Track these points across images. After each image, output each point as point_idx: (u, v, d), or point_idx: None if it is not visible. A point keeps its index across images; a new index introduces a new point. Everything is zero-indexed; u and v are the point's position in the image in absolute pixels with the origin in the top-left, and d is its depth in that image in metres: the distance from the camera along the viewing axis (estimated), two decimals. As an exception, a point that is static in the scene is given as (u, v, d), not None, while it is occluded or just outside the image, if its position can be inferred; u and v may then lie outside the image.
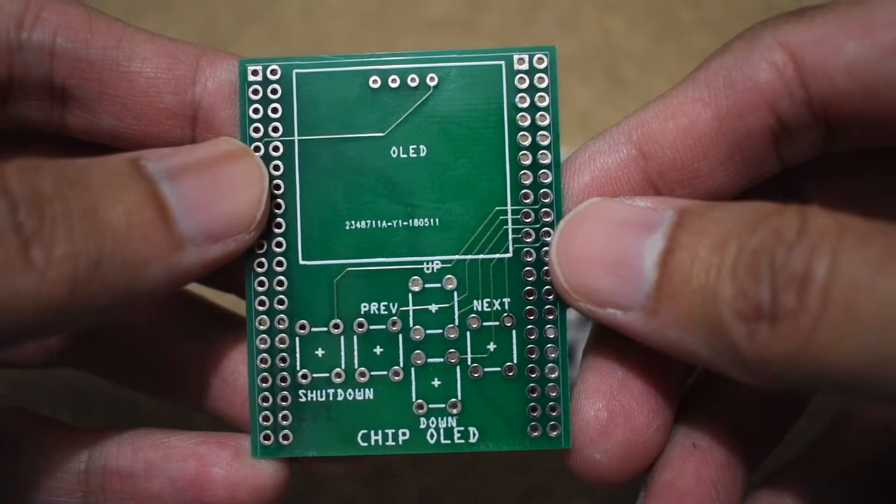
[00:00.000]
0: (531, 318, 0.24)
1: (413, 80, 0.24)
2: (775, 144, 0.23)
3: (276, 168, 0.24)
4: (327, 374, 0.24)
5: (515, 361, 0.24)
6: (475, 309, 0.24)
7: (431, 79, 0.24)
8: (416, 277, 0.24)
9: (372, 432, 0.24)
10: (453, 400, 0.24)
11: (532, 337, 0.24)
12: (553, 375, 0.24)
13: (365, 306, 0.24)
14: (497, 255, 0.24)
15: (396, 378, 0.24)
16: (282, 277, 0.24)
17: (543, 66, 0.24)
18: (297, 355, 0.24)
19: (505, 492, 0.35)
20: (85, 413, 0.35)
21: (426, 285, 0.24)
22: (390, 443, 0.24)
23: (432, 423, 0.24)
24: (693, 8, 0.41)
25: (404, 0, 0.41)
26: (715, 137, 0.23)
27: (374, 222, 0.24)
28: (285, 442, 0.24)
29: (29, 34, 0.23)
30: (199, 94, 0.24)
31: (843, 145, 0.23)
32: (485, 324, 0.24)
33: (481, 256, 0.24)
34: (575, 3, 0.41)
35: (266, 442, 0.24)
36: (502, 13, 0.41)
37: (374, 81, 0.24)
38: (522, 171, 0.24)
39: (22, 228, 0.19)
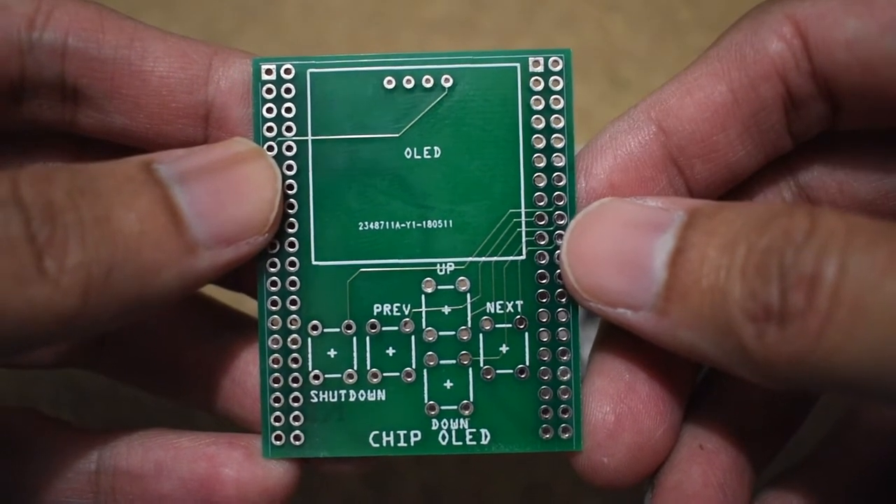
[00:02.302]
0: (544, 320, 0.24)
1: (428, 81, 0.24)
2: (786, 117, 0.23)
3: (290, 168, 0.24)
4: (339, 375, 0.24)
5: (528, 363, 0.24)
6: (488, 311, 0.24)
7: (446, 80, 0.24)
8: (429, 279, 0.24)
9: (384, 433, 0.24)
10: (465, 401, 0.24)
11: (544, 339, 0.24)
12: (565, 378, 0.24)
13: (378, 307, 0.24)
14: (510, 258, 0.24)
15: (409, 379, 0.24)
16: (294, 278, 0.24)
17: (559, 68, 0.24)
18: (310, 356, 0.24)
19: (507, 488, 0.35)
20: (86, 411, 0.35)
21: (439, 287, 0.24)
22: (402, 444, 0.24)
23: (444, 424, 0.24)
24: (692, 7, 0.41)
25: (404, 0, 0.41)
26: (731, 109, 0.23)
27: (387, 223, 0.24)
28: (297, 442, 0.24)
29: (40, 34, 0.23)
30: (212, 94, 0.24)
31: (848, 122, 0.23)
32: (497, 326, 0.24)
33: (494, 258, 0.24)
34: (575, 3, 0.41)
35: (277, 442, 0.24)
36: (502, 12, 0.41)
37: (389, 82, 0.24)
38: (536, 174, 0.24)
39: (35, 239, 0.19)
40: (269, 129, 0.24)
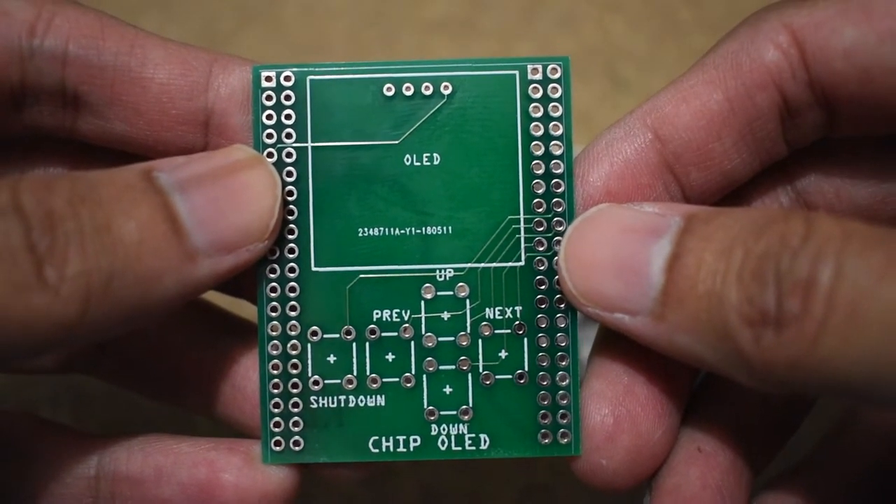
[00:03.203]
0: (543, 326, 0.24)
1: (427, 88, 0.24)
2: (782, 125, 0.23)
3: (289, 174, 0.24)
4: (339, 381, 0.24)
5: (527, 369, 0.24)
6: (487, 317, 0.24)
7: (445, 87, 0.24)
8: (428, 285, 0.24)
9: (383, 439, 0.24)
10: (465, 407, 0.24)
11: (543, 345, 0.24)
12: (564, 383, 0.24)
13: (377, 313, 0.24)
14: (509, 264, 0.24)
15: (408, 385, 0.24)
16: (294, 284, 0.24)
17: (557, 76, 0.24)
18: (309, 362, 0.24)
19: (505, 489, 0.35)
20: (85, 413, 0.35)
21: (438, 293, 0.24)
22: (401, 449, 0.24)
23: (444, 429, 0.24)
24: (693, 8, 0.41)
25: (404, 0, 0.41)
26: (726, 118, 0.23)
27: (387, 230, 0.24)
28: (296, 448, 0.24)
29: (41, 41, 0.23)
30: (211, 101, 0.24)
31: (845, 130, 0.24)
32: (496, 331, 0.24)
33: (494, 265, 0.24)
34: (575, 3, 0.41)
35: (277, 448, 0.24)
36: (502, 13, 0.41)
37: (389, 89, 0.24)
38: (535, 181, 0.24)
39: (35, 248, 0.19)
40: (269, 136, 0.24)
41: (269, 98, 0.24)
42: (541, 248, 0.24)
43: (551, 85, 0.24)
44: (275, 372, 0.24)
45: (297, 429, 0.24)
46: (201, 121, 0.24)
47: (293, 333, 0.24)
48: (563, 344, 0.24)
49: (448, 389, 0.24)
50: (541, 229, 0.24)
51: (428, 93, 0.24)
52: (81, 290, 0.20)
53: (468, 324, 0.24)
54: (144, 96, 0.24)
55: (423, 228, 0.24)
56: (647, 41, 0.40)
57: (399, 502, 0.35)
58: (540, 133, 0.24)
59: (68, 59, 0.23)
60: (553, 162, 0.24)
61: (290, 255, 0.24)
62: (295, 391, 0.24)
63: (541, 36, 0.40)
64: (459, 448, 0.24)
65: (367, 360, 0.24)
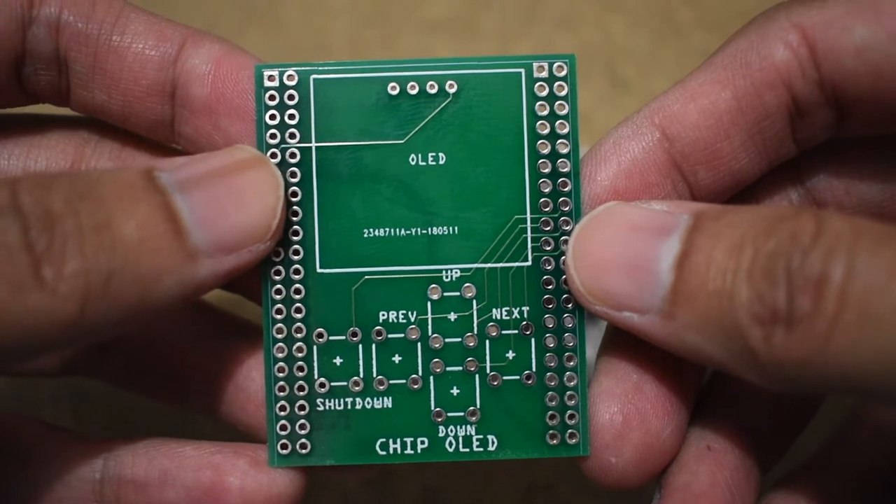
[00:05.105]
0: (550, 326, 0.24)
1: (432, 87, 0.24)
2: (791, 125, 0.23)
3: (293, 175, 0.24)
4: (345, 383, 0.24)
5: (534, 370, 0.24)
6: (494, 317, 0.24)
7: (451, 86, 0.24)
8: (434, 286, 0.24)
9: (390, 441, 0.24)
10: (472, 408, 0.24)
11: (551, 345, 0.24)
12: (571, 383, 0.24)
13: (383, 314, 0.24)
14: (516, 264, 0.24)
15: (415, 386, 0.24)
16: (299, 286, 0.24)
17: (563, 74, 0.24)
18: (315, 364, 0.24)
19: (508, 489, 0.35)
20: (86, 414, 0.35)
21: (445, 294, 0.24)
22: (409, 451, 0.24)
23: (451, 431, 0.24)
24: (693, 8, 0.41)
25: (404, 0, 0.41)
26: (735, 117, 0.23)
27: (392, 230, 0.24)
28: (303, 451, 0.24)
29: (39, 9, 0.23)
30: (178, 72, 0.24)
31: (855, 129, 0.23)
32: (504, 332, 0.24)
33: (500, 265, 0.24)
34: (575, 3, 0.41)
35: (283, 451, 0.24)
36: (502, 13, 0.41)
37: (393, 88, 0.24)
38: (542, 180, 0.24)
39: (33, 247, 0.19)
40: (273, 136, 0.24)
41: (272, 98, 0.24)
42: (548, 248, 0.24)
43: (557, 83, 0.24)
44: (280, 375, 0.24)
45: (303, 432, 0.24)
46: (168, 92, 0.24)
47: (298, 336, 0.24)
48: (571, 344, 0.24)
49: (455, 391, 0.24)
50: (547, 229, 0.24)
51: (433, 91, 0.24)
52: (80, 289, 0.20)
53: (475, 324, 0.24)
54: (120, 65, 0.24)
55: (429, 229, 0.24)
56: (647, 41, 0.40)
57: (401, 502, 0.35)
58: (546, 131, 0.24)
59: (61, 25, 0.24)
60: (559, 160, 0.24)
61: (295, 257, 0.24)
62: (301, 394, 0.24)
63: (541, 36, 0.40)
64: (467, 449, 0.24)
65: (374, 362, 0.24)
